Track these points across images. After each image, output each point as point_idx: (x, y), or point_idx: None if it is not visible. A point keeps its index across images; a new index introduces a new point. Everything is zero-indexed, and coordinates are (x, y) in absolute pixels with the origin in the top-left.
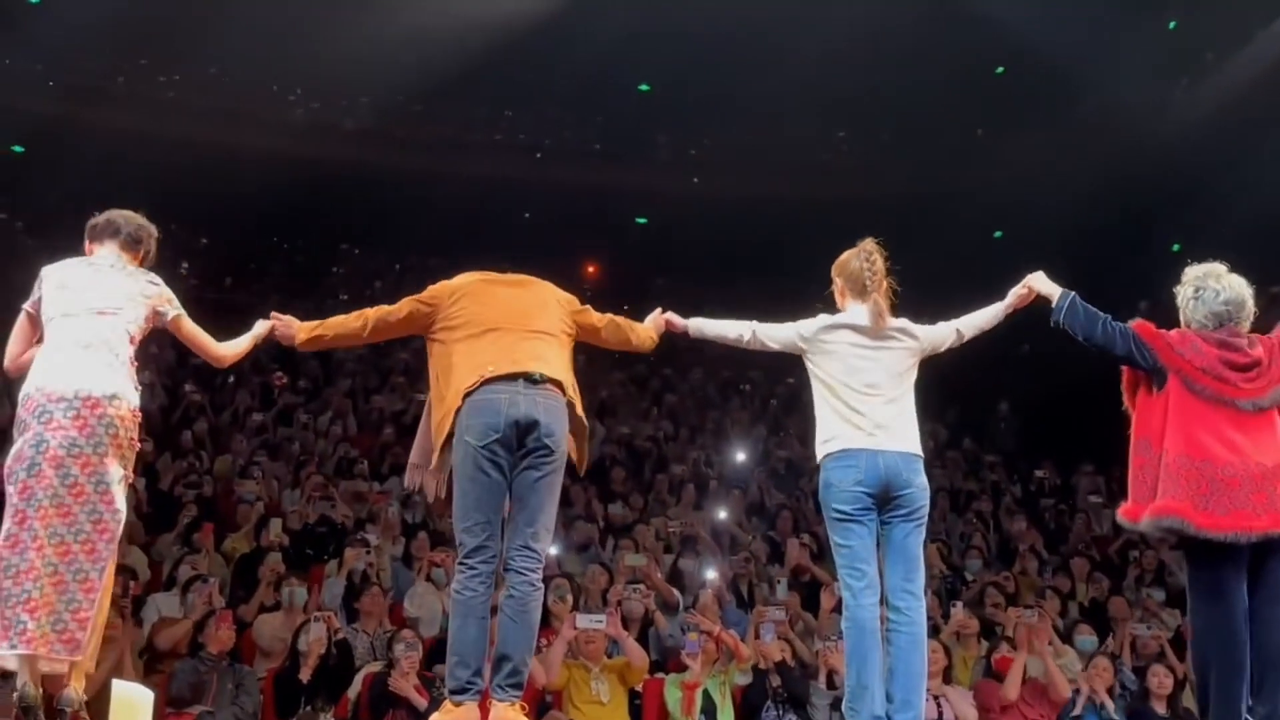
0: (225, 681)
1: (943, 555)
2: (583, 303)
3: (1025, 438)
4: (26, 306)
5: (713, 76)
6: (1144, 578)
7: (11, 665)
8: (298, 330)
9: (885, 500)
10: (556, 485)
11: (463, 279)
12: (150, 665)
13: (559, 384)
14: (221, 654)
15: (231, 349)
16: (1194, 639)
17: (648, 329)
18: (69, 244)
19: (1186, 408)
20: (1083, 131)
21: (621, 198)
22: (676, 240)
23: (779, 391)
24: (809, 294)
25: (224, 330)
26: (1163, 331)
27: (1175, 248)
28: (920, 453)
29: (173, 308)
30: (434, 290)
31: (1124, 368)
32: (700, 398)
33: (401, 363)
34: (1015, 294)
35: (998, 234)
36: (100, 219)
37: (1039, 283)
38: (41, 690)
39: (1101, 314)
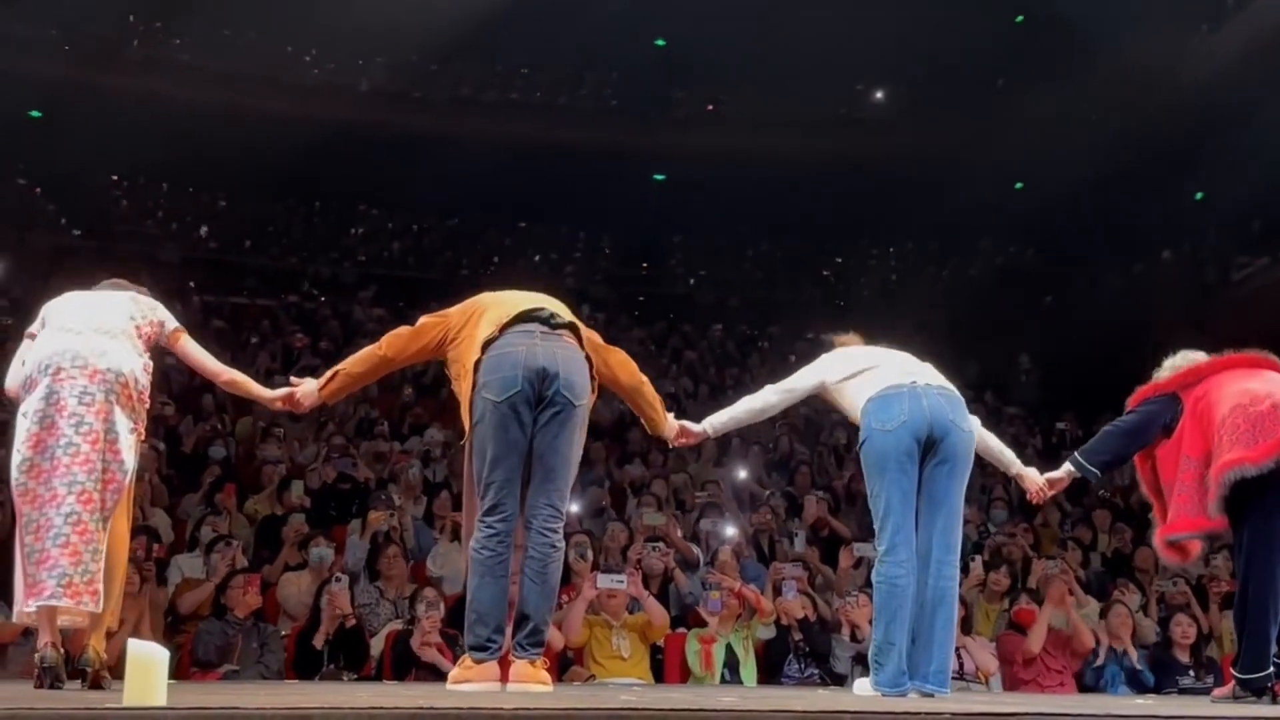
0: (250, 640)
1: (965, 507)
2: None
3: (1046, 390)
4: (30, 330)
5: (729, 30)
6: None
7: (33, 622)
8: (318, 391)
9: (930, 443)
10: (578, 442)
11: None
12: (174, 626)
13: (575, 332)
14: (247, 618)
15: (233, 379)
16: (1247, 586)
17: (664, 413)
18: (86, 208)
19: (1208, 404)
20: (1103, 80)
21: (639, 154)
22: (694, 197)
23: (798, 347)
24: (825, 250)
25: (245, 290)
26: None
27: (1198, 196)
28: (962, 399)
29: (173, 323)
30: (450, 310)
31: (1136, 458)
32: (719, 354)
33: None
34: (1033, 487)
35: (1019, 185)
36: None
37: (1054, 483)
38: (63, 651)
39: (1103, 431)
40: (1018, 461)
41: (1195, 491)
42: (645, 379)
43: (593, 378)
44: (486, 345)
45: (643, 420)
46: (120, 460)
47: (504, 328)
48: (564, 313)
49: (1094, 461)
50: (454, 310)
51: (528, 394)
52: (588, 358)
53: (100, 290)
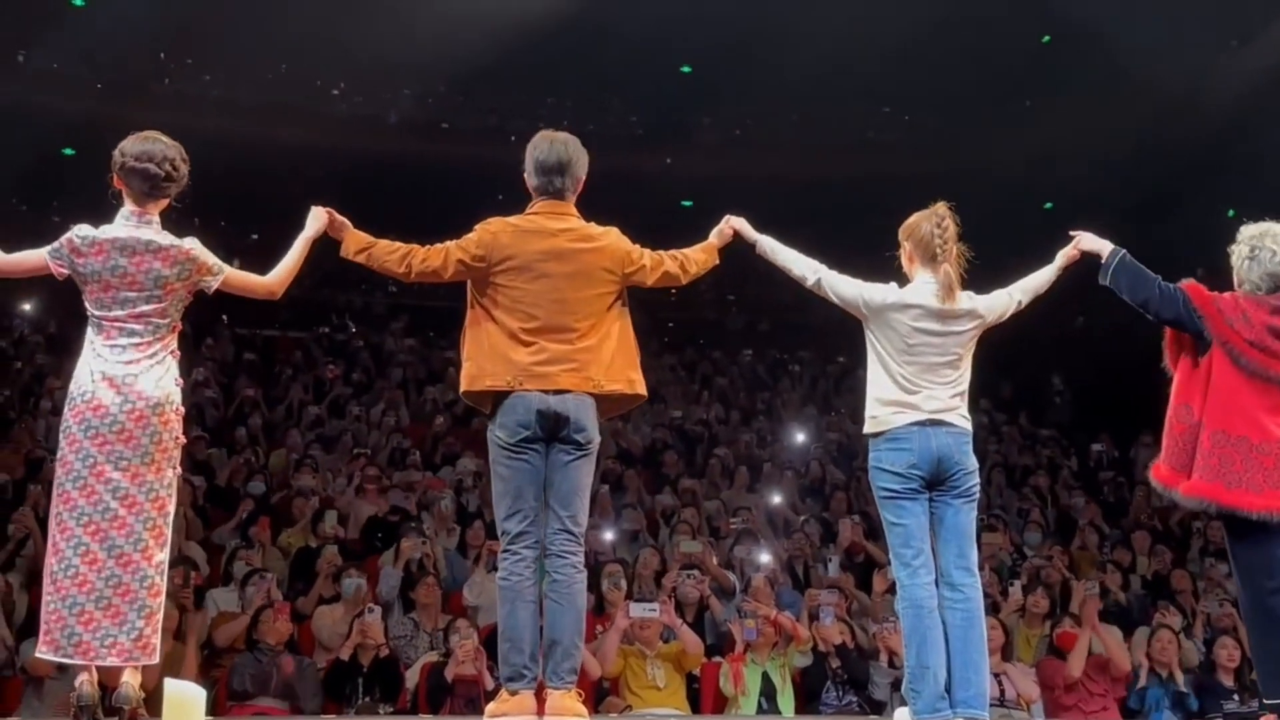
0: (285, 672)
1: (1001, 532)
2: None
3: (1081, 411)
4: (50, 261)
5: (755, 56)
6: (1208, 549)
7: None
8: (347, 240)
9: (936, 481)
10: (589, 470)
11: (512, 237)
12: (210, 660)
13: (590, 391)
14: (280, 645)
15: (283, 273)
16: (1242, 614)
17: (706, 258)
18: None
19: (1228, 381)
20: (1132, 98)
21: (666, 181)
22: None
23: (829, 371)
24: (858, 274)
25: (277, 323)
26: (1214, 296)
27: (1230, 213)
28: (970, 431)
29: (214, 276)
30: (483, 246)
31: (1167, 334)
32: (750, 380)
33: (450, 361)
34: (1064, 254)
35: (1048, 205)
36: (131, 159)
37: (1087, 241)
38: (99, 688)
39: (1152, 275)
40: (1050, 267)
41: (1182, 449)
42: (673, 267)
43: (610, 408)
44: (497, 396)
45: (692, 279)
46: (166, 514)
47: (514, 391)
48: (578, 377)
49: (1118, 276)
50: (487, 253)
51: (538, 434)
52: (609, 396)
53: (135, 246)
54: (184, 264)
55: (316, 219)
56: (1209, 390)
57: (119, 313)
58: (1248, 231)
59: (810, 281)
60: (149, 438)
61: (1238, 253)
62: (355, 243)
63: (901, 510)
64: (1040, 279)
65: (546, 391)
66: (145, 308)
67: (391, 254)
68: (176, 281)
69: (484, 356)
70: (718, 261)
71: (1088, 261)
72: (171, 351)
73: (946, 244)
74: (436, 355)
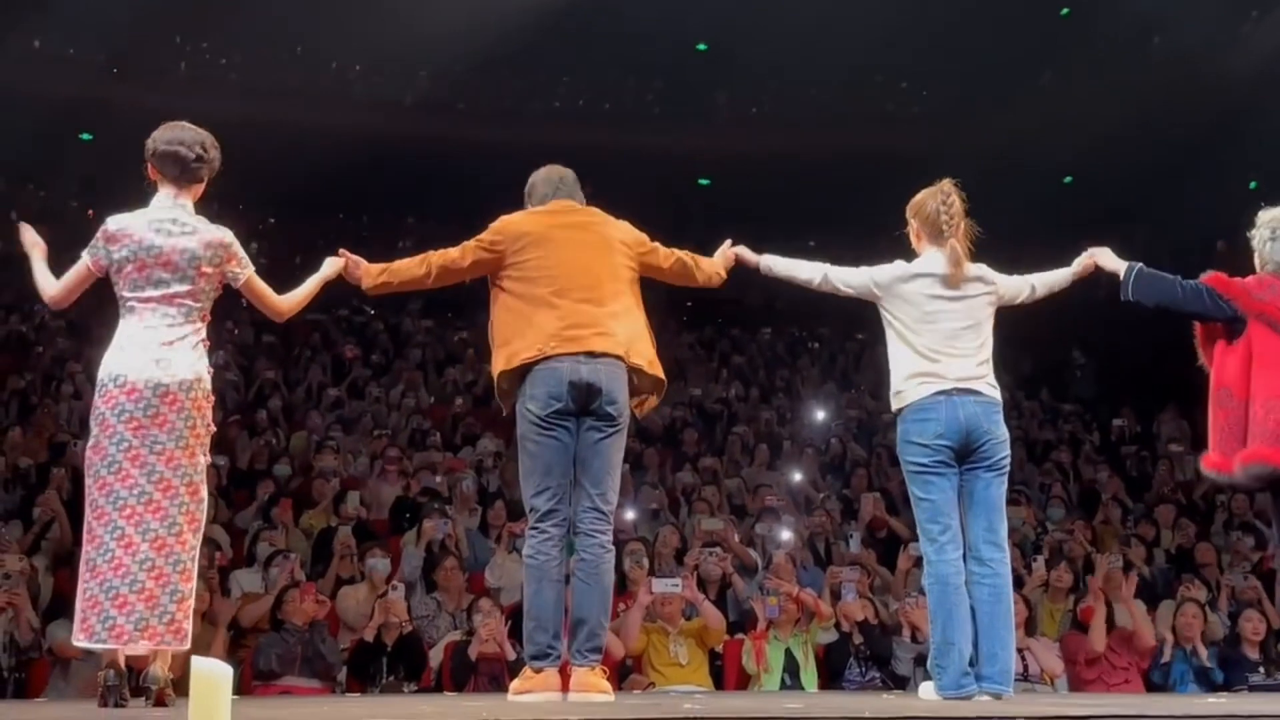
0: (310, 652)
1: (1023, 506)
2: (651, 240)
3: (1103, 385)
4: (89, 261)
5: (770, 32)
6: (1232, 522)
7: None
8: (364, 274)
9: (966, 452)
10: (619, 447)
11: (526, 220)
12: (234, 640)
13: (621, 355)
14: (305, 625)
15: (295, 300)
16: None
17: (715, 265)
18: None
19: (1272, 351)
20: (1151, 70)
21: (683, 159)
22: (740, 199)
23: (848, 348)
24: (877, 249)
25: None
26: (1237, 280)
27: (1252, 185)
28: (999, 400)
29: (242, 269)
30: (498, 232)
31: (1197, 323)
32: (769, 357)
33: (467, 342)
34: (1081, 263)
35: (1068, 179)
36: (161, 144)
37: (1103, 258)
38: (126, 669)
39: (1170, 276)
40: (1067, 271)
41: (1230, 433)
42: (686, 257)
43: (632, 392)
44: (527, 366)
45: (701, 283)
46: (199, 500)
47: (547, 356)
48: (609, 340)
49: (1138, 288)
50: (503, 237)
51: (570, 407)
52: (633, 369)
53: (168, 226)
54: (217, 249)
55: (332, 265)
56: (1254, 365)
57: (152, 293)
58: (1266, 215)
59: (817, 281)
60: (182, 420)
61: (1259, 236)
62: (373, 273)
63: (929, 485)
64: (1057, 278)
65: (578, 357)
66: (178, 288)
67: (409, 263)
68: (209, 265)
69: (513, 333)
70: (725, 279)
71: (1104, 225)
72: (203, 339)
73: (953, 220)
74: (454, 336)
